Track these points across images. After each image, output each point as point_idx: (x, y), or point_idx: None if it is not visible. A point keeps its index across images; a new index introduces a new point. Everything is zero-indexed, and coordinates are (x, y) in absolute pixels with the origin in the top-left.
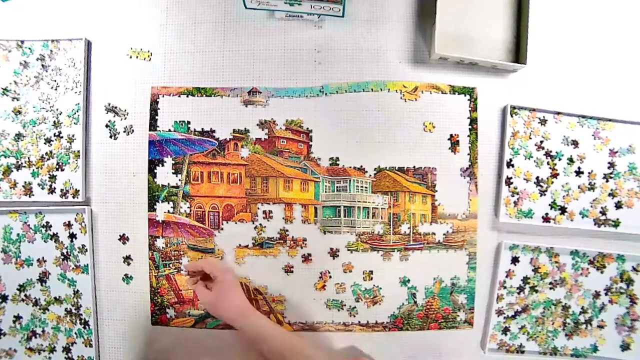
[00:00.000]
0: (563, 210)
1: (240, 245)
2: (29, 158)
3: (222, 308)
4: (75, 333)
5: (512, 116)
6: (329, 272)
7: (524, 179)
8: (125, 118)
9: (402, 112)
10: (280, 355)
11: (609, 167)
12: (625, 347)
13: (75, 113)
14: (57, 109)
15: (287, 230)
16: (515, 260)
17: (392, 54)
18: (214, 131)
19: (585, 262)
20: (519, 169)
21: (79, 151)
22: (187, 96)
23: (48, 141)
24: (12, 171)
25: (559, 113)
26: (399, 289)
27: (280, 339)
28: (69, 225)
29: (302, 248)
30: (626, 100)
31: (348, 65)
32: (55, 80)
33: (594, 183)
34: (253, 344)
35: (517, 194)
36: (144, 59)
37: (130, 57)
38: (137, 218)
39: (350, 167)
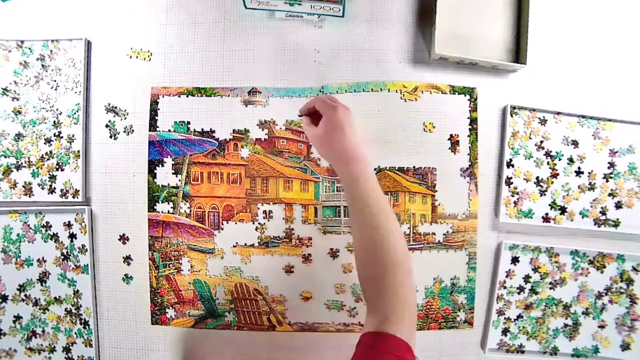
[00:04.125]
0: (563, 210)
1: (245, 244)
2: (29, 158)
3: (327, 147)
4: (75, 333)
5: (512, 116)
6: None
7: (524, 179)
8: (125, 118)
9: (402, 112)
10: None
11: (609, 167)
12: (625, 347)
13: (75, 113)
14: (57, 109)
15: (292, 230)
16: (515, 260)
17: (392, 54)
18: (213, 131)
19: (585, 262)
20: (519, 169)
21: (79, 151)
22: (187, 96)
23: (48, 141)
24: (12, 171)
25: (559, 113)
26: None
27: (377, 208)
28: (69, 225)
29: (307, 247)
30: (626, 100)
31: (348, 65)
32: (55, 80)
33: (594, 183)
34: (352, 202)
35: (517, 194)
36: (144, 59)
37: (130, 57)
38: (137, 218)
39: None
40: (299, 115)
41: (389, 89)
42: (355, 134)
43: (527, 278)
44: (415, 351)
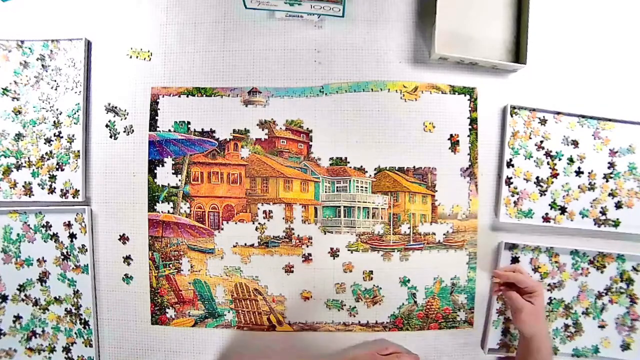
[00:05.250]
0: (563, 210)
1: (245, 244)
2: (29, 158)
3: (540, 320)
4: (75, 333)
5: (512, 116)
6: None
7: (524, 179)
8: (125, 118)
9: (402, 112)
10: None
11: (609, 167)
12: (625, 347)
13: (75, 113)
14: (57, 109)
15: (292, 229)
16: (515, 260)
17: (392, 54)
18: (214, 131)
19: (585, 262)
20: (519, 169)
21: (79, 151)
22: (187, 96)
23: (48, 141)
24: (12, 171)
25: (559, 113)
26: (399, 289)
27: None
28: (69, 225)
29: (307, 247)
30: (626, 100)
31: (348, 65)
32: (55, 80)
33: (594, 183)
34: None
35: (517, 194)
36: (144, 59)
37: (130, 57)
38: (137, 218)
39: (351, 167)
40: (494, 281)
41: (389, 89)
42: None
43: None
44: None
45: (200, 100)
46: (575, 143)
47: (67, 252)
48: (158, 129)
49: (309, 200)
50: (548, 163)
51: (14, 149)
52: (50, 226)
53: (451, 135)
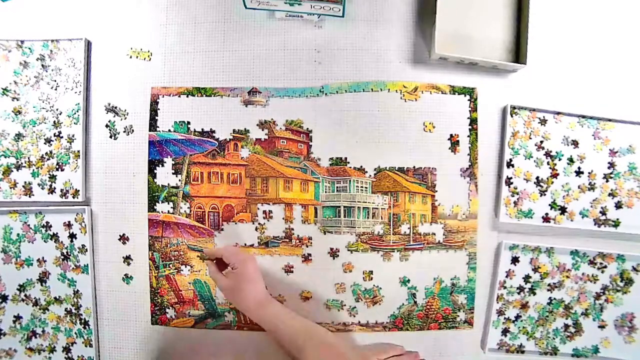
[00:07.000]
0: (563, 210)
1: (245, 244)
2: (29, 158)
3: (239, 298)
4: (75, 333)
5: (512, 116)
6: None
7: (524, 179)
8: (125, 118)
9: (402, 112)
10: (296, 344)
11: (609, 167)
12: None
13: (75, 113)
14: (57, 109)
15: (292, 229)
16: (515, 260)
17: (392, 54)
18: (214, 131)
19: (585, 262)
20: (519, 169)
21: (79, 151)
22: (187, 96)
23: (48, 141)
24: (12, 171)
25: (559, 113)
26: (399, 289)
27: (297, 327)
28: (69, 225)
29: (307, 247)
30: (626, 100)
31: (348, 65)
32: (55, 80)
33: (594, 183)
34: (271, 334)
35: (517, 194)
36: (144, 59)
37: (130, 57)
38: (137, 218)
39: (351, 167)
40: (202, 259)
41: (389, 89)
42: (262, 281)
43: (527, 278)
44: None
45: (200, 100)
46: (575, 143)
47: (67, 252)
48: (158, 129)
49: (309, 200)
50: (548, 163)
51: (14, 149)
52: (50, 226)
53: (451, 135)
